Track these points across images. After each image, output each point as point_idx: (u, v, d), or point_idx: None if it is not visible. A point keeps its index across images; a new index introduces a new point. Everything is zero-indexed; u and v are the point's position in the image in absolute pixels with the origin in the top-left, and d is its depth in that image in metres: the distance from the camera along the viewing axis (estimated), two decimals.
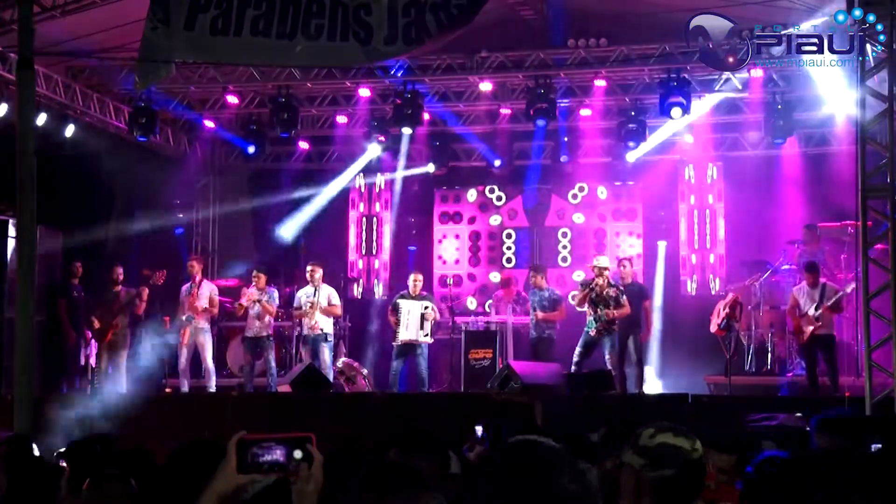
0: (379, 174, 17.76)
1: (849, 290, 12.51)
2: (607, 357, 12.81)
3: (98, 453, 4.98)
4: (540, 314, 13.60)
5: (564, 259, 16.96)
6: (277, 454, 2.46)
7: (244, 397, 12.68)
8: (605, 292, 12.86)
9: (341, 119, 16.46)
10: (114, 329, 13.60)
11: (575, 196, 17.10)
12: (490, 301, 15.98)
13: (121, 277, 13.77)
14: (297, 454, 2.47)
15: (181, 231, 17.52)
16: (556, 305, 13.76)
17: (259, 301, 13.47)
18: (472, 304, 16.81)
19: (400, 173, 17.49)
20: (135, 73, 10.61)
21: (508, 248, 17.38)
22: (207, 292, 13.69)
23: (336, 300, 13.88)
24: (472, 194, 17.57)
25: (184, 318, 13.55)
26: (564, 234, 17.11)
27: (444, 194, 17.70)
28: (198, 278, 13.78)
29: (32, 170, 9.54)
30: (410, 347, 13.51)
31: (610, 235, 16.99)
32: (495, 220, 17.49)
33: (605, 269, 13.07)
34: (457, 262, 17.46)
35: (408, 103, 14.64)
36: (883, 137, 10.29)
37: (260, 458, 2.46)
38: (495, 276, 17.03)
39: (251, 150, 16.37)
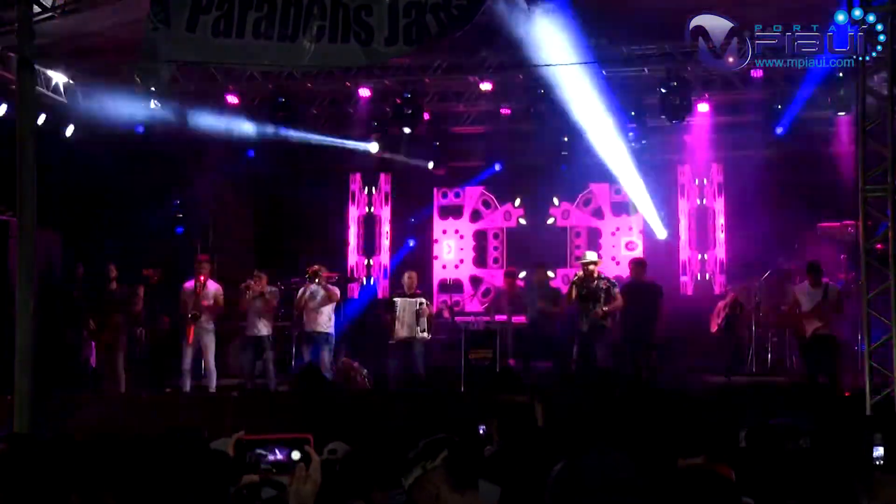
0: (379, 174, 17.75)
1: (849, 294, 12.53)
2: (599, 354, 12.76)
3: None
4: (547, 307, 13.60)
5: (564, 258, 16.96)
6: (276, 455, 2.46)
7: (244, 397, 12.67)
8: (595, 285, 12.77)
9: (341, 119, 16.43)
10: (110, 328, 13.57)
11: (575, 195, 17.10)
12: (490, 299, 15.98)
13: (114, 274, 13.72)
14: (296, 455, 2.47)
15: (181, 231, 17.50)
16: (557, 301, 13.80)
17: (263, 294, 13.45)
18: (472, 304, 16.82)
19: (399, 173, 17.47)
20: (136, 73, 10.62)
21: (508, 247, 17.38)
22: (213, 291, 13.65)
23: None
24: (471, 194, 17.57)
25: (190, 315, 13.49)
26: (564, 234, 17.10)
27: (444, 194, 17.70)
28: (204, 277, 13.74)
29: (32, 170, 9.53)
30: (407, 345, 13.53)
31: (614, 235, 17.00)
32: (495, 219, 17.48)
33: (593, 263, 12.98)
34: (456, 261, 17.47)
35: (408, 103, 14.64)
36: (883, 137, 10.29)
37: (258, 458, 2.46)
38: (495, 276, 17.03)
39: (251, 150, 16.35)
